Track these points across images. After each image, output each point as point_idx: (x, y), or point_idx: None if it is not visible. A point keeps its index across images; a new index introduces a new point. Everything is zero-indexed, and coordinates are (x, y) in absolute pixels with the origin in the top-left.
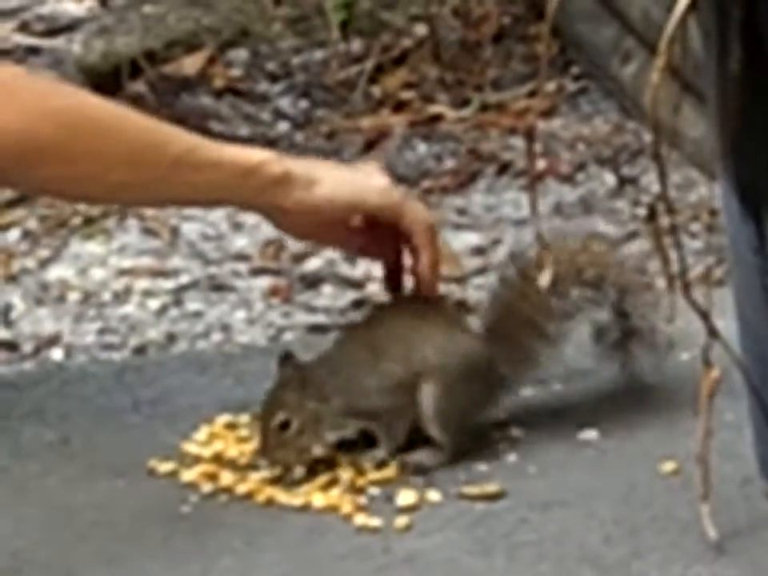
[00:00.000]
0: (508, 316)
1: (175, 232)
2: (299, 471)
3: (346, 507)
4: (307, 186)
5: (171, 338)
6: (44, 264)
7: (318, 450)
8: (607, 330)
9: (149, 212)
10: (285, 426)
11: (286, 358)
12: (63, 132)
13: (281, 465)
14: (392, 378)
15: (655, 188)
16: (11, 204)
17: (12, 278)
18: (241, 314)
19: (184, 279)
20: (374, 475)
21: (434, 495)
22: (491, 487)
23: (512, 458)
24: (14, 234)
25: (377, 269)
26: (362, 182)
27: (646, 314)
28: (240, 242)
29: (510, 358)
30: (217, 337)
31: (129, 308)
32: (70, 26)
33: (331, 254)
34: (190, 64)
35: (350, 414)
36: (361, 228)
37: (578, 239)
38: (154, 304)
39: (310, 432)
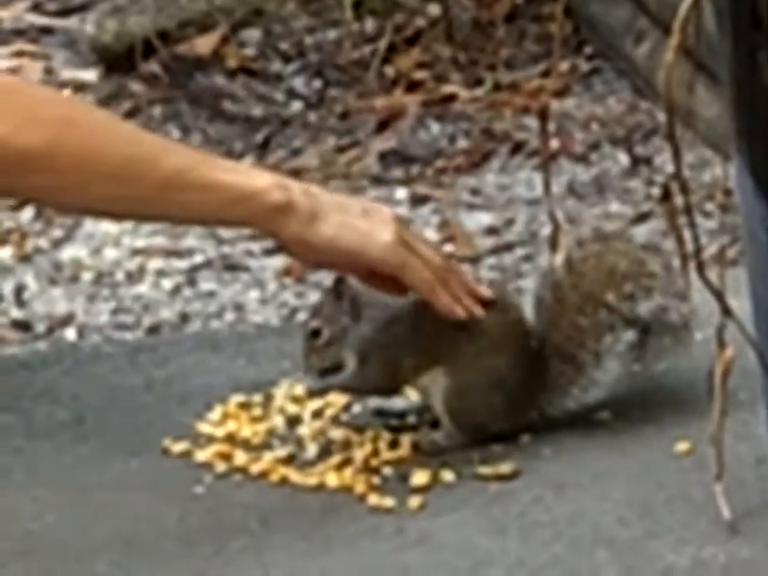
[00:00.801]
0: (544, 342)
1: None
2: (313, 451)
3: (360, 487)
4: (309, 222)
5: (184, 317)
6: (57, 244)
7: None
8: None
9: None
10: (316, 333)
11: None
12: (47, 142)
13: (313, 371)
14: (407, 350)
15: (669, 168)
16: None
17: (25, 258)
18: (254, 294)
19: (197, 259)
20: (388, 455)
21: (447, 475)
22: (505, 467)
23: (526, 438)
24: (27, 214)
25: None
26: (367, 231)
27: (662, 313)
28: None
29: (543, 386)
30: (230, 316)
31: (142, 288)
32: (83, 6)
33: None
34: (204, 44)
35: (367, 348)
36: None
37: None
38: (167, 284)
39: (338, 344)
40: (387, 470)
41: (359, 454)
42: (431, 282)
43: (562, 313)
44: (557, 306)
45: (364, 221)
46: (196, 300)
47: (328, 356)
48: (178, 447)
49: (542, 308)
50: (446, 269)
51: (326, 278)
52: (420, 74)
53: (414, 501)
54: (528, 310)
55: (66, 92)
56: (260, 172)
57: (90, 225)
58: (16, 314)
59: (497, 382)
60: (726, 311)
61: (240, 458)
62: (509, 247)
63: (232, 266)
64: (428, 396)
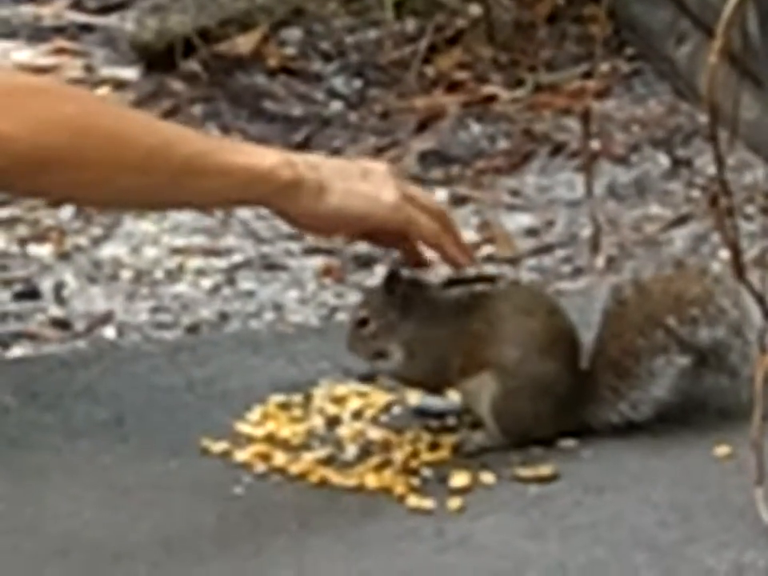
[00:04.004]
0: (598, 354)
1: (228, 211)
2: (352, 451)
3: (399, 488)
4: (317, 195)
5: (224, 317)
6: (97, 242)
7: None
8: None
9: None
10: (363, 323)
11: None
12: (73, 139)
13: (356, 355)
14: (454, 350)
15: (710, 170)
16: None
17: (65, 256)
18: (293, 294)
19: (237, 258)
20: (428, 456)
21: (487, 477)
22: (545, 470)
23: (566, 441)
24: (66, 212)
25: (429, 252)
26: (372, 195)
27: (722, 348)
28: None
29: (590, 397)
30: (269, 316)
31: (181, 287)
32: (123, 4)
33: None
34: (244, 43)
35: (414, 343)
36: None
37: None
38: (206, 283)
39: (384, 337)
40: (427, 472)
41: (399, 456)
42: (437, 232)
43: (623, 329)
44: (619, 322)
45: (366, 184)
46: (235, 299)
47: (372, 347)
48: (218, 447)
49: (606, 322)
50: (447, 215)
51: (365, 278)
52: (460, 75)
53: (454, 502)
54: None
55: (103, 90)
56: (267, 151)
57: (129, 223)
58: (55, 312)
59: (545, 389)
60: None
61: (279, 458)
62: (549, 249)
63: (271, 266)
64: (472, 399)
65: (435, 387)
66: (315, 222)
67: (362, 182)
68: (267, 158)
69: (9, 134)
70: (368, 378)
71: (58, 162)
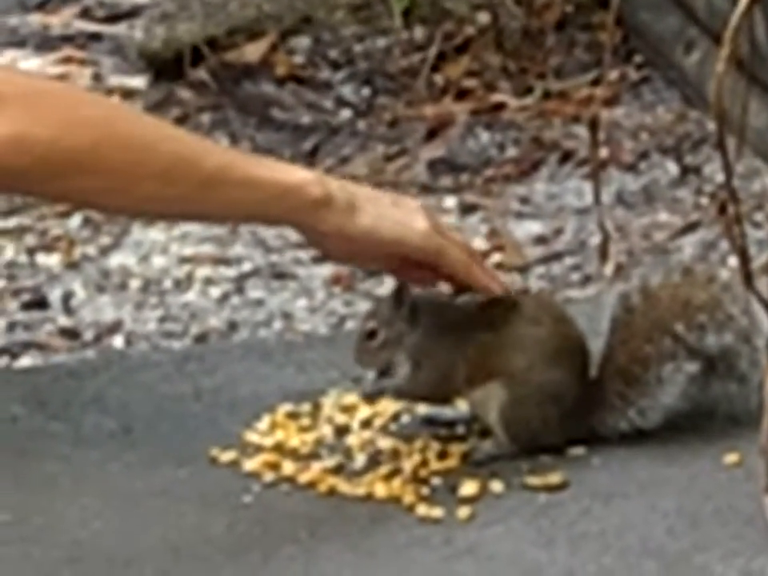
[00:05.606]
0: (607, 361)
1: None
2: (361, 460)
3: (409, 497)
4: (348, 213)
5: (232, 326)
6: (105, 251)
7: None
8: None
9: None
10: (372, 334)
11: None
12: (93, 143)
13: (364, 367)
14: (461, 360)
15: (718, 177)
16: None
17: (73, 266)
18: (302, 303)
19: (245, 267)
20: (437, 465)
21: (496, 485)
22: (554, 478)
23: (575, 449)
24: (75, 221)
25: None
26: (404, 220)
27: (731, 355)
28: None
29: (602, 405)
30: (278, 325)
31: (190, 296)
32: (132, 12)
33: None
34: (252, 51)
35: (421, 354)
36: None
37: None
38: (215, 292)
39: (391, 349)
40: (436, 481)
41: (408, 465)
42: (468, 263)
43: (631, 336)
44: (627, 329)
45: (397, 211)
46: (244, 308)
47: (380, 358)
48: (226, 456)
49: (615, 329)
50: (473, 250)
51: (374, 286)
52: (469, 83)
53: (463, 511)
54: (577, 321)
55: (114, 98)
56: (296, 168)
57: (137, 232)
58: (64, 321)
59: (553, 397)
60: None
61: (288, 467)
62: (558, 256)
63: (280, 274)
64: (480, 408)
65: (442, 398)
66: (344, 244)
67: (393, 208)
68: (297, 173)
69: (30, 135)
70: (373, 397)
71: (77, 165)
